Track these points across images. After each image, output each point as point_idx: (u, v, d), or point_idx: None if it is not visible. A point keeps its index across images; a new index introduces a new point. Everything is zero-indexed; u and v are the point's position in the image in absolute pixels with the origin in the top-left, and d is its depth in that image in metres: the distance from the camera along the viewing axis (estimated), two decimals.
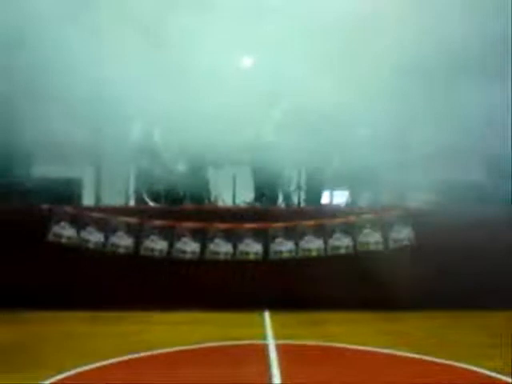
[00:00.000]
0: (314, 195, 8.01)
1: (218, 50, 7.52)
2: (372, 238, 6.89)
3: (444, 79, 7.38)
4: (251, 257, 6.85)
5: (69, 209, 6.92)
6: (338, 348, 5.18)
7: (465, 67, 7.33)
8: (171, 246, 6.85)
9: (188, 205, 7.58)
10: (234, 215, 7.11)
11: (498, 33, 6.91)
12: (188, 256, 6.84)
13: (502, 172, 7.18)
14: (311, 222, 6.92)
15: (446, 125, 7.30)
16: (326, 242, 6.87)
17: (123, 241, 6.83)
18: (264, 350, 5.02)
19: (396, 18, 7.15)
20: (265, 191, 7.81)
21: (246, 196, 7.95)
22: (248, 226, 6.92)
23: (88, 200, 7.84)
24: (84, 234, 6.83)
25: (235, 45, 7.75)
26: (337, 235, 6.88)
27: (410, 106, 7.48)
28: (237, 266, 6.82)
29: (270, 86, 7.68)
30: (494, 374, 4.35)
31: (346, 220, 6.95)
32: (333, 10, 7.21)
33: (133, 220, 6.90)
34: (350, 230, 6.92)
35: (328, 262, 6.83)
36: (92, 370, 4.45)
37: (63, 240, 6.81)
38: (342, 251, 6.85)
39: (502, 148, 6.99)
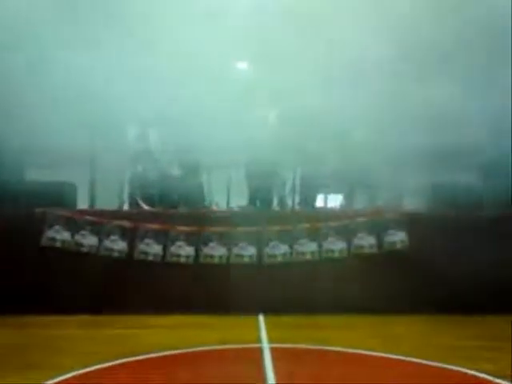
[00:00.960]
0: (308, 198, 8.02)
1: (214, 54, 7.54)
2: (366, 241, 6.90)
3: (441, 82, 7.41)
4: (246, 260, 6.85)
5: (63, 212, 6.90)
6: (333, 351, 5.18)
7: (462, 71, 7.38)
8: (165, 249, 6.84)
9: (182, 209, 7.57)
10: (229, 219, 7.11)
11: (499, 34, 6.96)
12: (182, 259, 6.83)
13: (500, 175, 7.20)
14: (306, 226, 6.93)
15: (441, 128, 7.33)
16: (320, 246, 6.87)
17: (117, 244, 6.81)
18: (259, 353, 5.01)
19: (391, 20, 7.20)
20: (259, 194, 7.82)
21: (240, 200, 7.96)
22: (242, 229, 6.91)
23: (82, 203, 7.82)
24: (78, 238, 6.81)
25: (232, 48, 7.77)
26: (331, 238, 6.88)
27: (406, 108, 7.51)
28: (231, 269, 6.81)
29: (265, 89, 7.70)
30: (490, 378, 4.36)
31: (340, 223, 6.96)
32: (327, 16, 7.26)
33: (127, 224, 6.89)
34: (344, 233, 6.92)
35: (322, 264, 6.85)
36: (90, 373, 4.45)
37: (57, 244, 6.79)
38: (336, 254, 6.86)
39: (500, 151, 7.02)
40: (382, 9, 7.25)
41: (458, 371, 4.54)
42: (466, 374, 4.49)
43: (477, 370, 4.52)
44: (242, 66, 8.80)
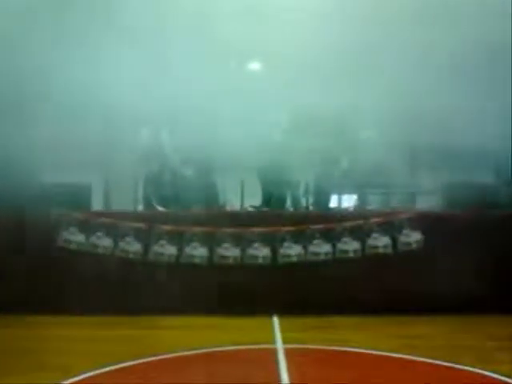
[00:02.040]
0: (322, 199, 8.00)
1: (226, 54, 7.56)
2: (381, 242, 6.86)
3: (452, 81, 7.37)
4: (260, 261, 6.85)
5: (78, 214, 6.95)
6: (347, 352, 5.17)
7: (474, 71, 7.33)
8: (180, 250, 6.86)
9: (196, 209, 7.59)
10: (243, 219, 7.11)
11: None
12: (197, 260, 6.85)
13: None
14: (320, 226, 6.91)
15: (454, 127, 7.29)
16: (334, 246, 6.85)
17: (132, 246, 6.85)
18: (273, 354, 5.02)
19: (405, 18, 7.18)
20: (273, 195, 7.80)
21: (254, 200, 7.95)
22: (256, 230, 6.91)
23: (97, 205, 7.87)
24: (93, 240, 6.86)
25: (244, 49, 7.79)
26: (345, 239, 6.86)
27: (419, 108, 7.48)
28: (245, 270, 6.81)
29: (277, 89, 7.70)
30: (504, 378, 4.33)
31: (354, 224, 6.93)
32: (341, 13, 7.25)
33: (142, 225, 6.92)
34: (358, 233, 6.89)
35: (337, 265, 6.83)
36: (102, 374, 4.47)
37: (73, 246, 6.85)
38: (351, 255, 6.84)
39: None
40: (389, 8, 7.23)
41: (474, 372, 4.52)
42: (476, 373, 4.47)
43: (494, 371, 4.49)
44: (255, 66, 8.81)
